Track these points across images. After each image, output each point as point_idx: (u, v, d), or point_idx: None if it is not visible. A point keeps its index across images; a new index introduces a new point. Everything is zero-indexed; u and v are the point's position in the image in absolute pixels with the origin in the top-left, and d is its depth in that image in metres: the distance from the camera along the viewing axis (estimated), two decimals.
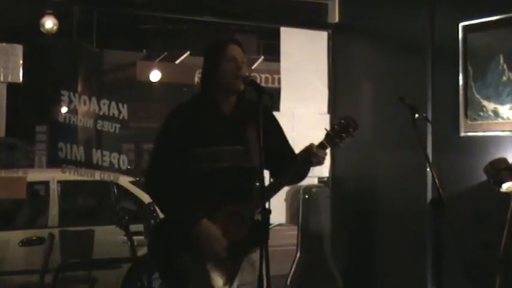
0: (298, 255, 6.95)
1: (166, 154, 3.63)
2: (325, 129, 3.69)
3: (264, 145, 3.28)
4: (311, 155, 3.58)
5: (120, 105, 6.51)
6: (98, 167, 6.72)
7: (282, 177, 3.63)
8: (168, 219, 3.73)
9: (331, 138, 3.64)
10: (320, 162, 3.62)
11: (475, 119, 5.62)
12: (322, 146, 3.62)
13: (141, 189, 7.78)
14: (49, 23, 11.15)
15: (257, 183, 3.52)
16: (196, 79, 17.79)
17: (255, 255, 3.42)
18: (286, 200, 7.09)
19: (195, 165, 3.57)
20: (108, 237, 7.41)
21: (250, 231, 3.51)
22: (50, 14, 11.04)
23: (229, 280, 3.54)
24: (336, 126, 3.67)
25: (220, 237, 3.50)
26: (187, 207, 3.53)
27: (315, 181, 7.15)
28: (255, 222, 3.48)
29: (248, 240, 3.52)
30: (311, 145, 3.60)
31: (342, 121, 3.67)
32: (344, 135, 3.64)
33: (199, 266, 3.50)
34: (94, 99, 6.59)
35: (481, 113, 5.57)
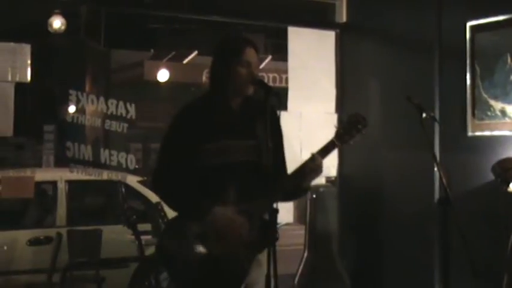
0: (305, 254, 6.96)
1: (173, 153, 3.61)
2: (335, 126, 3.66)
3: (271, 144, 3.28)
4: (305, 165, 3.51)
5: (127, 104, 6.52)
6: (105, 166, 6.73)
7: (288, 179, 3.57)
8: (179, 217, 3.70)
9: (342, 136, 3.59)
10: (314, 170, 3.53)
11: (482, 119, 5.61)
12: (332, 144, 3.57)
13: (149, 188, 7.78)
14: (57, 23, 11.16)
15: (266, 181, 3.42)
16: (204, 78, 17.77)
17: (262, 255, 3.39)
18: None
19: (205, 160, 3.53)
20: (116, 236, 7.42)
21: (259, 232, 3.44)
22: (57, 13, 11.05)
23: (238, 280, 3.50)
24: (345, 124, 3.63)
25: (242, 219, 3.43)
26: (196, 200, 3.49)
27: (323, 181, 7.14)
28: (263, 222, 3.39)
29: (257, 240, 3.46)
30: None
31: (352, 118, 3.63)
32: (354, 132, 3.59)
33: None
34: (102, 98, 6.60)
35: (489, 113, 5.57)
